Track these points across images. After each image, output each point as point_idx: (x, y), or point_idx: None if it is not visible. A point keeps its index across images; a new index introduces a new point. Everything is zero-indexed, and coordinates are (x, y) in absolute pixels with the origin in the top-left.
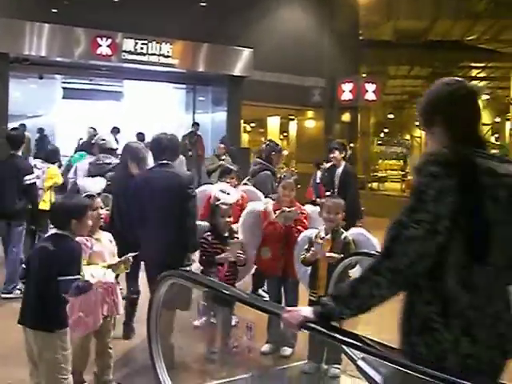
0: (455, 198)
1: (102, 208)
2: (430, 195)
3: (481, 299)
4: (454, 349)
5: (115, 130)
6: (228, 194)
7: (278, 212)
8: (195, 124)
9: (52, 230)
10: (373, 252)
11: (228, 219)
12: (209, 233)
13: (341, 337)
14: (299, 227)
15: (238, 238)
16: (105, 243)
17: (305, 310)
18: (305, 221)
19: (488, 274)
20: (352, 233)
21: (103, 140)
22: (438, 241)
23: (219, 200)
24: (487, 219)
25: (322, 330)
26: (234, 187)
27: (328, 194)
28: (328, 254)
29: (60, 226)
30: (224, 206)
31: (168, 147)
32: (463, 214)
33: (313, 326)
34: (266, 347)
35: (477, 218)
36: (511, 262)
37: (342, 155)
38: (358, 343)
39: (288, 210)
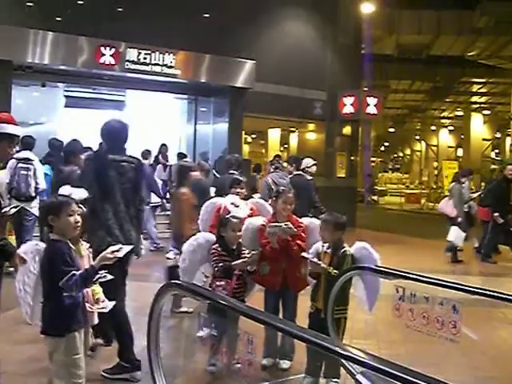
0: (95, 174)
1: (79, 215)
2: (86, 173)
3: (111, 216)
4: (109, 240)
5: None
6: (238, 207)
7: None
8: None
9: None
10: (372, 266)
11: (238, 233)
12: (217, 245)
13: (340, 351)
14: (297, 241)
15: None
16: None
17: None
18: (302, 234)
19: (112, 204)
20: (355, 247)
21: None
22: (96, 189)
23: (229, 213)
24: (112, 182)
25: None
26: (244, 199)
27: None
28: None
29: (46, 226)
30: (234, 220)
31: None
32: (98, 180)
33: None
34: (265, 361)
35: (105, 182)
36: (125, 201)
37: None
38: (358, 357)
39: (273, 224)
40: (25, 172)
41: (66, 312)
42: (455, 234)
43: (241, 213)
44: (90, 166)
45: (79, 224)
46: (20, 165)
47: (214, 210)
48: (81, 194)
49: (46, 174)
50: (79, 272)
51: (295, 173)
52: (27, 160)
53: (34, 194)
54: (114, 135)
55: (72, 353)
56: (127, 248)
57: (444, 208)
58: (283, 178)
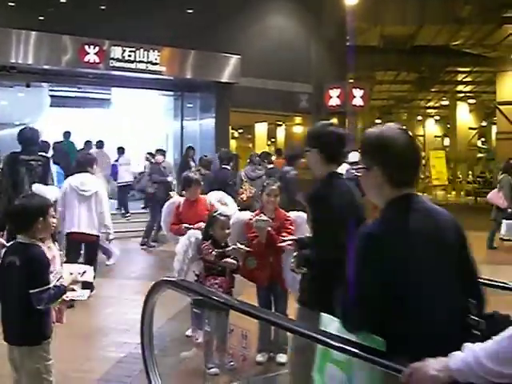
0: (8, 171)
1: (54, 217)
2: (4, 171)
3: None
4: None
5: (89, 144)
6: (225, 204)
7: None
8: None
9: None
10: None
11: (227, 231)
12: (209, 241)
13: (333, 342)
14: (284, 234)
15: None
16: (55, 252)
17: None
18: (291, 227)
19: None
20: None
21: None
22: (10, 183)
23: (216, 210)
24: (22, 176)
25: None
26: (202, 194)
27: None
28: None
29: (25, 228)
30: (222, 218)
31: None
32: (11, 175)
33: None
34: (260, 356)
35: (15, 177)
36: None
37: None
38: (351, 348)
39: (257, 218)
40: None
41: (45, 319)
42: (506, 228)
43: (227, 210)
44: (6, 165)
45: (54, 225)
46: None
47: (174, 208)
48: (55, 193)
49: None
50: (50, 290)
51: (269, 167)
52: None
53: None
54: (26, 140)
55: (46, 359)
56: (91, 270)
57: (494, 199)
58: (255, 172)
